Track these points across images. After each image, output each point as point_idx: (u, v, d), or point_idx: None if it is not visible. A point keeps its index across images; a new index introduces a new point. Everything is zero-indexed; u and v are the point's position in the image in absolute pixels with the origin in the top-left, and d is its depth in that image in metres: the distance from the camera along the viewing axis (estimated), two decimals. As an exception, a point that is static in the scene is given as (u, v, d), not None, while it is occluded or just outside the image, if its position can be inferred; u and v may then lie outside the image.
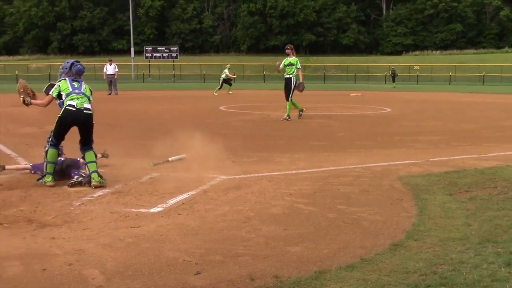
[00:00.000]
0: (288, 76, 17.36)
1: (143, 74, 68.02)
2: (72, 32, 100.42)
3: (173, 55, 71.86)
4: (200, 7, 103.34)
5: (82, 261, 4.58)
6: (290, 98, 17.18)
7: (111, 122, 16.95)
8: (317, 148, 11.35)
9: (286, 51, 17.43)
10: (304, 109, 17.80)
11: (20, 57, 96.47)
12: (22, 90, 8.47)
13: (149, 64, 71.77)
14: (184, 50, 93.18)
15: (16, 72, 64.97)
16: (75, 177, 7.73)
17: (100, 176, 7.61)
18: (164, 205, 6.48)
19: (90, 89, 8.07)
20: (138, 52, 78.78)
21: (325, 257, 4.71)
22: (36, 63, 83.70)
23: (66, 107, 7.69)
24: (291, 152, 10.58)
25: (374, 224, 5.75)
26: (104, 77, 34.25)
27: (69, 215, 6.07)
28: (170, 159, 9.35)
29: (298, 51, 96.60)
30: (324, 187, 7.50)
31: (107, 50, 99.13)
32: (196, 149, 10.82)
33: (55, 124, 7.81)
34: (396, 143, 12.40)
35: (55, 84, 8.05)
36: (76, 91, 7.83)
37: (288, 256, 4.74)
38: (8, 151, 10.64)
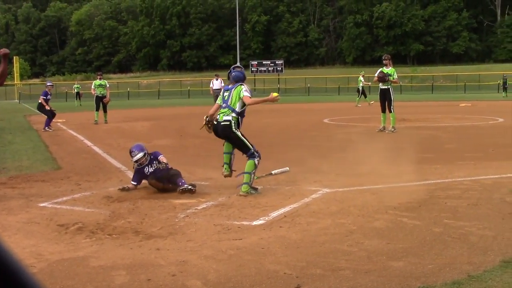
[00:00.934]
0: (385, 87, 17.07)
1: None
2: (181, 49, 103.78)
3: (278, 68, 72.47)
4: (306, 20, 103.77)
5: (185, 272, 4.70)
6: (392, 109, 16.92)
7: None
8: (424, 160, 11.03)
9: (384, 61, 17.30)
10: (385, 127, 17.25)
11: (132, 74, 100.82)
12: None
13: (255, 78, 72.83)
14: (289, 63, 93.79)
15: (128, 89, 67.99)
16: (185, 185, 8.00)
17: (251, 188, 8.08)
18: (266, 218, 6.52)
19: (239, 93, 8.39)
20: (244, 67, 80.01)
21: (429, 272, 4.56)
22: (147, 79, 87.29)
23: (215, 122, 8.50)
24: (396, 164, 10.34)
25: (483, 239, 5.50)
26: (211, 91, 35.07)
27: (174, 227, 6.24)
28: (273, 172, 9.41)
29: (405, 62, 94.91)
30: (430, 201, 7.28)
31: (214, 65, 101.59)
32: (299, 162, 10.86)
33: None
34: (508, 154, 11.83)
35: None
36: (224, 105, 8.45)
37: (390, 271, 4.63)
38: (118, 165, 11.13)
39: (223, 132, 8.37)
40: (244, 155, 8.43)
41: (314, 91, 66.21)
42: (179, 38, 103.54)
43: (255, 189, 8.14)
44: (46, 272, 4.77)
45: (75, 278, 4.62)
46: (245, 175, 8.15)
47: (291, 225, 6.20)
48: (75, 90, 44.24)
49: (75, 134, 18.52)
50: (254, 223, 6.33)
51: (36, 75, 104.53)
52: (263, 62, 74.08)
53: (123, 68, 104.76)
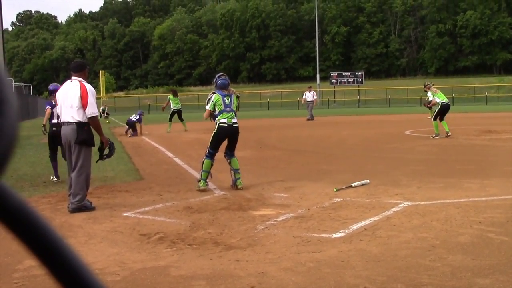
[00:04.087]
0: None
1: (328, 99, 68.75)
2: (261, 61, 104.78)
3: (358, 80, 71.82)
4: (386, 30, 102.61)
5: (264, 283, 4.69)
6: (433, 118, 19.17)
7: (296, 148, 17.34)
8: (511, 173, 10.61)
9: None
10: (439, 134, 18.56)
11: (212, 86, 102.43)
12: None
13: (334, 90, 72.44)
14: (370, 74, 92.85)
15: (210, 101, 68.87)
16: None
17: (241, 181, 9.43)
18: (346, 231, 6.44)
19: (237, 102, 9.90)
20: (324, 78, 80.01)
21: (518, 291, 4.37)
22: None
23: (220, 124, 9.54)
24: (481, 177, 10.00)
25: None
26: (303, 102, 35.87)
27: (253, 238, 6.26)
28: (353, 184, 9.30)
29: (491, 71, 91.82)
30: (518, 216, 6.97)
31: (294, 77, 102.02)
32: (380, 174, 10.69)
33: (211, 139, 9.64)
34: None
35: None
36: (227, 109, 9.58)
37: (476, 288, 4.46)
38: (198, 175, 11.28)
39: (236, 133, 9.64)
40: (227, 153, 9.72)
41: (395, 102, 65.12)
42: (258, 51, 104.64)
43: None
44: (129, 280, 4.89)
45: (156, 286, 4.70)
46: (237, 173, 9.50)
47: (371, 238, 6.09)
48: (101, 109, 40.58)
49: (156, 145, 18.97)
50: (334, 235, 6.26)
51: (120, 88, 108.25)
52: (343, 74, 73.58)
53: (204, 81, 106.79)
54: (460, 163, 12.37)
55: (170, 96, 26.24)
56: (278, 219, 7.17)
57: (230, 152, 9.72)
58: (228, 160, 9.70)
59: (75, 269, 0.60)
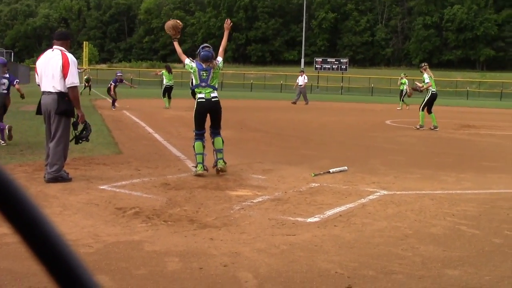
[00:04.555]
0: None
1: (311, 84, 68.73)
2: (246, 42, 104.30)
3: (342, 67, 71.97)
4: (374, 19, 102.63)
5: (237, 263, 4.72)
6: (420, 108, 18.60)
7: (276, 131, 17.36)
8: (487, 168, 10.73)
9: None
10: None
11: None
12: (173, 25, 9.51)
13: (318, 75, 72.42)
14: (354, 62, 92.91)
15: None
16: None
17: (225, 162, 8.98)
18: (321, 216, 6.48)
19: (217, 78, 9.31)
20: (308, 63, 79.94)
21: (486, 284, 4.44)
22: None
23: (198, 100, 9.10)
24: (458, 171, 10.11)
25: (545, 254, 5.31)
26: (295, 87, 35.85)
27: (229, 218, 6.28)
28: (331, 170, 9.34)
29: (474, 67, 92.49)
30: (491, 210, 7.07)
31: (278, 60, 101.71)
32: (358, 162, 10.75)
33: (193, 119, 9.19)
34: None
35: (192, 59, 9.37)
36: (203, 84, 9.05)
37: (445, 279, 4.53)
38: (178, 153, 11.28)
39: (216, 107, 9.10)
40: (212, 132, 9.18)
41: (377, 91, 65.38)
42: (245, 31, 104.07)
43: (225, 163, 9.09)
44: (102, 253, 4.88)
45: (129, 260, 4.71)
46: (219, 152, 8.99)
47: (345, 224, 6.14)
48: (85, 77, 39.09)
49: (137, 120, 18.88)
50: (309, 220, 6.30)
51: (103, 61, 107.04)
52: (328, 60, 73.73)
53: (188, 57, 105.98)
54: (437, 155, 12.49)
55: (164, 71, 26.19)
56: (254, 201, 7.19)
57: (213, 130, 9.17)
58: (212, 140, 9.15)
59: (48, 237, 0.60)
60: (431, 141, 15.53)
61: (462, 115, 26.80)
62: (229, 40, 9.85)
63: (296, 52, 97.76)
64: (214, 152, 9.05)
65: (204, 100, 9.03)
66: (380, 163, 10.72)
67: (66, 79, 7.88)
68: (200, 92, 9.06)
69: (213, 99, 9.05)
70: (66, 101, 7.94)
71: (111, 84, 24.95)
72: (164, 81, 25.99)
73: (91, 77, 42.91)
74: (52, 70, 7.91)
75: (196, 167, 8.86)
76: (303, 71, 36.39)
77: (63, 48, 8.08)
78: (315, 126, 19.69)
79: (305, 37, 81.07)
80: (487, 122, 23.00)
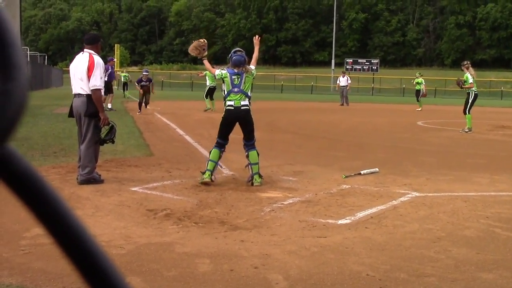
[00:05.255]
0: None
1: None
2: (277, 43, 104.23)
3: (373, 67, 71.39)
4: (405, 19, 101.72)
5: (267, 265, 4.72)
6: (467, 111, 17.52)
7: (307, 133, 17.32)
8: (522, 170, 10.54)
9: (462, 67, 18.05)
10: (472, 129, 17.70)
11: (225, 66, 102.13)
12: (196, 46, 9.24)
13: (349, 76, 71.90)
14: (385, 63, 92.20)
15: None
16: None
17: (261, 176, 8.32)
18: (352, 218, 6.44)
19: (251, 83, 8.68)
20: (339, 64, 79.55)
21: (521, 288, 4.36)
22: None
23: (226, 107, 8.46)
24: (491, 172, 9.94)
25: None
26: (337, 88, 35.96)
27: (259, 220, 6.28)
28: (362, 172, 9.29)
29: (508, 66, 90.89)
30: (526, 213, 6.94)
31: (309, 61, 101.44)
32: (389, 163, 10.66)
33: (219, 125, 8.60)
34: None
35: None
36: (235, 89, 8.40)
37: (479, 282, 4.46)
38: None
39: (246, 116, 8.43)
40: (245, 144, 8.49)
41: (409, 92, 64.64)
42: (275, 33, 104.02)
43: (261, 176, 8.40)
44: (134, 254, 4.92)
45: (160, 262, 4.74)
46: (253, 166, 8.30)
47: (377, 226, 6.09)
48: (123, 80, 36.18)
49: (168, 122, 19.01)
50: (340, 222, 6.27)
51: (134, 63, 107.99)
52: (359, 61, 73.16)
53: (218, 60, 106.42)
54: (471, 156, 12.31)
55: (208, 72, 25.41)
56: (285, 202, 7.18)
57: (246, 142, 8.45)
58: (246, 153, 8.44)
59: (81, 239, 0.61)
60: (464, 142, 15.32)
61: (496, 116, 26.37)
62: (259, 51, 9.46)
63: (327, 53, 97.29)
64: (249, 166, 8.34)
65: (232, 108, 8.37)
66: (412, 165, 10.61)
67: (90, 82, 7.96)
68: (230, 100, 8.40)
69: (242, 107, 8.36)
70: (95, 104, 8.04)
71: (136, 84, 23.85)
72: (208, 82, 25.13)
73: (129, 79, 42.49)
74: (81, 73, 8.03)
75: (204, 173, 8.24)
76: (344, 72, 36.51)
77: (92, 51, 8.18)
78: (345, 128, 19.59)
79: (336, 38, 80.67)
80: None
